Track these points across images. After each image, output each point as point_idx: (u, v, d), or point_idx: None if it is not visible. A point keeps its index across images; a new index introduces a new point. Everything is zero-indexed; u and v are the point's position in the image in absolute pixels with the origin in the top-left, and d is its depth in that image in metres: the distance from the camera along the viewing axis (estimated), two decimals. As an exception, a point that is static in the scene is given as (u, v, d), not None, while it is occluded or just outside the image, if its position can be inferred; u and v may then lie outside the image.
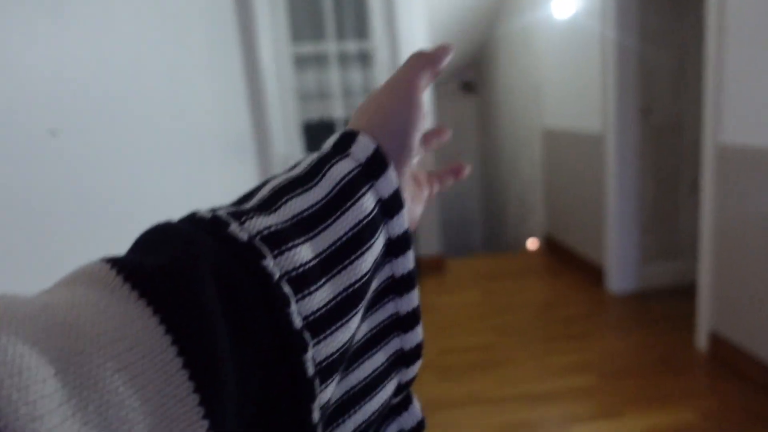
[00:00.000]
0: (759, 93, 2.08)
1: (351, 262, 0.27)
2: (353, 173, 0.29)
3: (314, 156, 0.30)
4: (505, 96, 4.96)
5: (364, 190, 0.29)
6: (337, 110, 3.64)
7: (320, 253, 0.27)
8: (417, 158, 0.35)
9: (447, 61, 0.35)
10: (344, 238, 0.27)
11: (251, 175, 2.25)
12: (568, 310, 3.08)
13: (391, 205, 0.30)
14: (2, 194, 0.64)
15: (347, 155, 0.30)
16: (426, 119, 0.34)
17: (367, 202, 0.29)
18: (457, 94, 5.90)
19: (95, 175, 0.87)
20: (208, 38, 1.76)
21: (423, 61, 0.34)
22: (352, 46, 3.60)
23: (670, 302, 3.03)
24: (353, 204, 0.28)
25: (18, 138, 0.67)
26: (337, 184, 0.28)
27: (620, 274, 3.24)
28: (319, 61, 3.60)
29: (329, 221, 0.27)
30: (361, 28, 3.60)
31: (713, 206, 2.35)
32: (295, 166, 0.30)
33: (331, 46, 3.56)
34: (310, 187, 0.28)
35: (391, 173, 0.30)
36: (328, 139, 0.32)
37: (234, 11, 2.28)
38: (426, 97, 0.34)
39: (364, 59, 3.63)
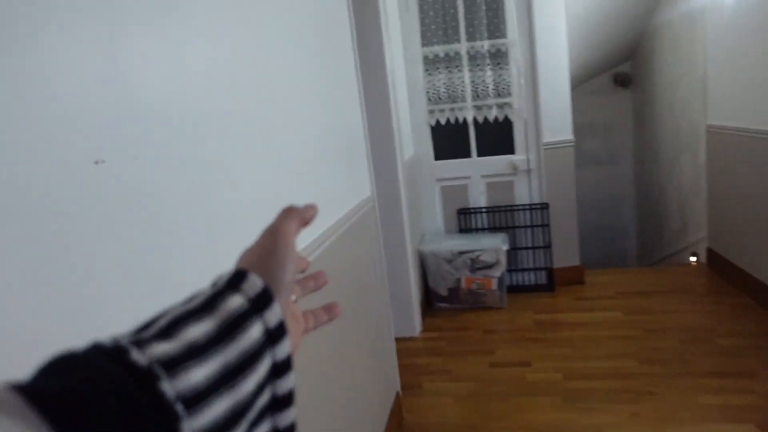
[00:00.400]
0: None
1: (238, 383, 0.31)
2: (243, 307, 0.34)
3: (209, 291, 0.35)
4: (664, 90, 4.43)
5: (252, 321, 0.34)
6: (469, 112, 3.55)
7: (211, 376, 0.30)
8: (293, 295, 0.42)
9: (314, 217, 0.43)
10: (233, 363, 0.31)
11: (367, 178, 2.29)
12: (729, 340, 2.64)
13: (277, 334, 0.35)
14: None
15: (238, 291, 0.35)
16: (298, 262, 0.41)
17: (254, 332, 0.33)
18: (610, 87, 5.42)
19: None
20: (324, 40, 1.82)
21: (293, 214, 0.42)
22: (485, 45, 3.47)
23: None
24: (242, 333, 0.33)
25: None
26: (229, 316, 0.33)
27: (803, 302, 2.70)
28: (450, 61, 3.54)
29: (220, 348, 0.31)
30: (494, 28, 3.46)
31: None
32: (192, 299, 0.34)
33: (462, 47, 3.48)
34: (205, 318, 0.32)
35: (277, 307, 0.35)
36: (222, 277, 0.37)
37: (350, 15, 2.33)
38: (296, 244, 0.41)
39: (498, 57, 3.48)
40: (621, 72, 5.31)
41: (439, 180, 3.67)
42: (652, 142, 4.82)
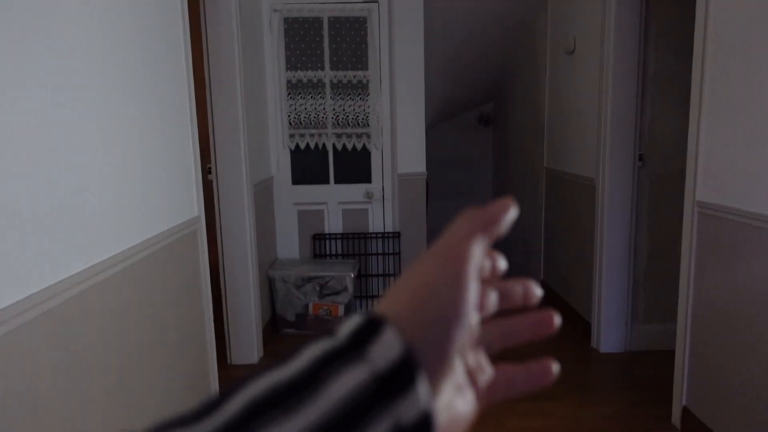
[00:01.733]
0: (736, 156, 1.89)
1: None
2: (363, 390, 0.21)
3: (318, 349, 0.23)
4: (515, 132, 4.81)
5: (374, 416, 0.21)
6: (330, 139, 3.61)
7: None
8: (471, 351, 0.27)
9: (509, 221, 0.27)
10: None
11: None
12: (545, 366, 2.87)
13: None
14: None
15: (361, 358, 0.22)
16: (475, 307, 0.26)
17: None
18: (475, 125, 5.79)
19: None
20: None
21: (478, 222, 0.26)
22: (348, 75, 3.57)
23: (658, 368, 2.77)
24: None
25: None
26: (336, 407, 0.21)
27: (608, 332, 3.01)
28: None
29: None
30: (357, 59, 3.57)
31: (694, 268, 2.14)
32: (290, 359, 0.23)
33: (326, 74, 3.55)
34: (299, 409, 0.20)
35: (421, 390, 0.22)
36: (347, 322, 0.24)
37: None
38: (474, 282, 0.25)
39: (359, 88, 3.59)
40: (485, 112, 5.69)
41: (296, 204, 3.67)
42: (505, 179, 5.20)
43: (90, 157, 1.42)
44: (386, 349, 0.22)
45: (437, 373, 0.23)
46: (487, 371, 0.28)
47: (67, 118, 1.32)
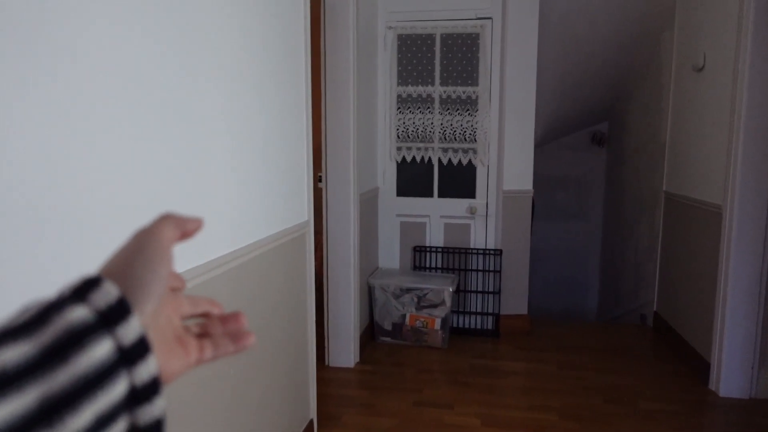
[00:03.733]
0: None
1: (63, 418, 0.25)
2: (86, 320, 0.27)
3: (46, 302, 0.28)
4: (632, 153, 4.54)
5: (97, 337, 0.27)
6: (436, 153, 3.64)
7: (19, 413, 0.24)
8: (182, 315, 0.38)
9: (197, 231, 0.37)
10: (58, 393, 0.25)
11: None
12: (652, 404, 2.66)
13: (135, 352, 0.28)
14: None
15: (83, 301, 0.28)
16: (174, 277, 0.37)
17: (100, 351, 0.27)
18: (587, 145, 5.54)
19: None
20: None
21: (172, 221, 0.36)
22: (458, 90, 3.59)
23: (789, 421, 2.47)
24: (79, 354, 0.26)
25: None
26: (62, 334, 0.26)
27: (730, 375, 2.73)
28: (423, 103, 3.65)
29: (40, 375, 0.25)
30: (468, 75, 3.58)
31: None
32: (21, 314, 0.27)
33: (436, 90, 3.60)
34: (27, 337, 0.25)
35: (135, 320, 0.29)
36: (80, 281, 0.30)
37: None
38: (172, 252, 0.35)
39: (468, 104, 3.59)
40: (598, 131, 5.44)
41: (399, 215, 3.73)
42: (618, 202, 4.92)
43: (217, 168, 1.57)
44: (105, 293, 0.29)
45: (144, 309, 0.31)
46: (192, 338, 0.38)
47: (211, 130, 1.47)
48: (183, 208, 1.38)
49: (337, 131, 3.01)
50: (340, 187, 3.04)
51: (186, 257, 1.39)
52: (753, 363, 2.71)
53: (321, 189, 3.05)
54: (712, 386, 2.80)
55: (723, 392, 2.74)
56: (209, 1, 1.48)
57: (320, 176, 3.06)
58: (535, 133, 4.16)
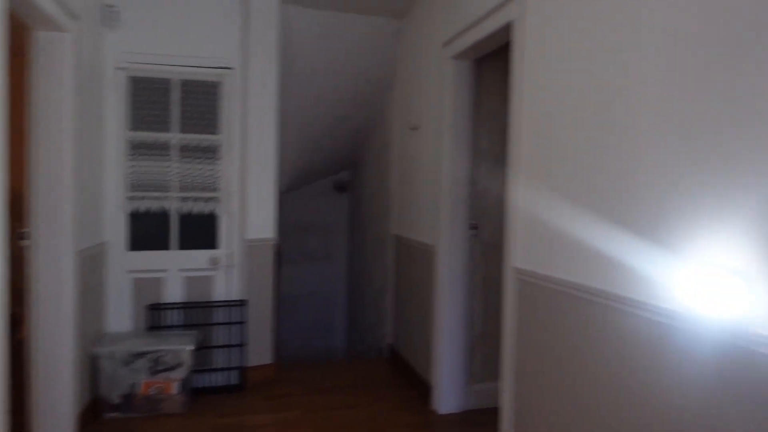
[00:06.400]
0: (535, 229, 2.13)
1: None
2: None
3: None
4: (368, 199, 5.00)
5: None
6: (173, 203, 3.44)
7: None
8: None
9: None
10: None
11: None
12: (394, 430, 2.87)
13: None
14: None
15: None
16: None
17: None
18: (331, 191, 5.91)
19: None
20: None
21: None
22: (198, 138, 3.48)
23: (488, 425, 2.90)
24: None
25: None
26: None
27: (446, 394, 3.11)
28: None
29: None
30: (208, 123, 3.50)
31: (514, 328, 2.32)
32: None
33: (174, 137, 3.43)
34: None
35: None
36: None
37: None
38: None
39: (209, 152, 3.51)
40: (341, 178, 5.86)
41: (132, 271, 3.39)
42: (359, 244, 5.33)
43: None
44: None
45: None
46: None
47: None
48: None
49: (48, 180, 2.62)
50: (52, 244, 2.63)
51: None
52: (463, 380, 3.14)
53: (24, 247, 2.60)
54: (434, 406, 3.15)
55: (442, 410, 3.10)
56: None
57: (23, 232, 2.60)
58: (281, 180, 4.27)
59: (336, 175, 5.88)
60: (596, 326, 1.78)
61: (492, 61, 3.16)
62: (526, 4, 2.21)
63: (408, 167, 3.76)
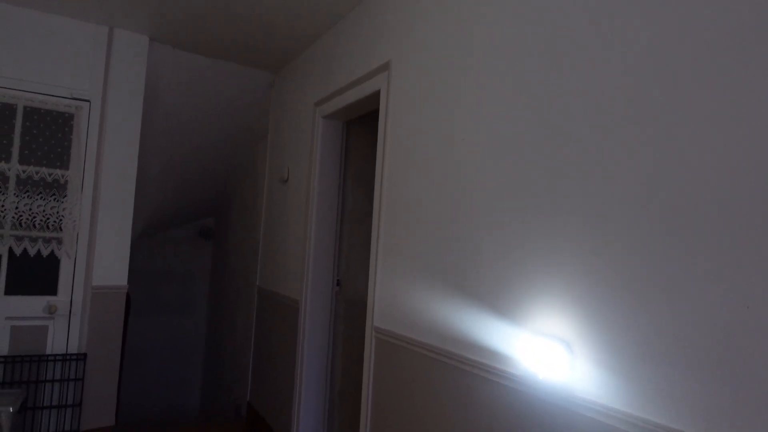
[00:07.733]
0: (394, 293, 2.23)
1: None
2: None
3: None
4: (233, 249, 4.84)
5: None
6: (7, 242, 3.05)
7: None
8: None
9: None
10: None
11: None
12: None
13: None
14: None
15: None
16: None
17: None
18: (195, 238, 5.64)
19: None
20: None
21: None
22: (42, 171, 3.16)
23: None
24: None
25: None
26: None
27: (304, 454, 3.03)
28: (-10, 184, 3.05)
29: None
30: (56, 156, 3.20)
31: (372, 386, 2.35)
32: None
33: (13, 167, 3.07)
34: None
35: None
36: None
37: None
38: None
39: (55, 187, 3.19)
40: (206, 225, 5.62)
41: (-57, 320, 2.91)
42: (221, 295, 5.11)
43: None
44: None
45: None
46: None
47: None
48: None
49: None
50: None
51: None
52: (322, 439, 3.09)
53: None
54: (290, 468, 3.04)
55: (299, 472, 3.01)
56: None
57: None
58: (139, 223, 4.00)
59: (202, 221, 5.64)
60: (445, 385, 1.88)
61: (361, 125, 3.32)
62: (391, 76, 2.39)
63: (276, 219, 3.74)
